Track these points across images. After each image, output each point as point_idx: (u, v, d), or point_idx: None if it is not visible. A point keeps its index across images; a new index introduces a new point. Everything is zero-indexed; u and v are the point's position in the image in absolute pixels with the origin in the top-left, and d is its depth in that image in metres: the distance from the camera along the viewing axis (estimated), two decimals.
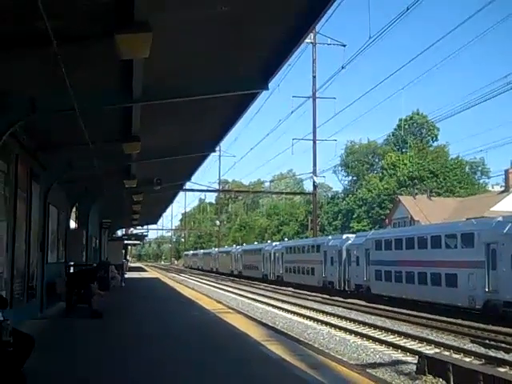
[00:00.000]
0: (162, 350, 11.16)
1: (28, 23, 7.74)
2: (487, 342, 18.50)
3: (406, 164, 77.98)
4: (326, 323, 23.70)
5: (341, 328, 22.16)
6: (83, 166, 18.47)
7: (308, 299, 36.61)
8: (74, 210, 26.65)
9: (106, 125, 14.78)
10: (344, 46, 49.44)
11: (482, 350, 17.08)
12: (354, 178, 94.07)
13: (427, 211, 51.43)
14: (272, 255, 57.53)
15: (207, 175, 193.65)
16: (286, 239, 75.70)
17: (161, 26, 7.76)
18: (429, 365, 12.94)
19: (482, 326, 21.78)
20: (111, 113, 13.30)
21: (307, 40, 44.27)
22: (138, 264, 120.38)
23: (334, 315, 26.77)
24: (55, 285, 18.72)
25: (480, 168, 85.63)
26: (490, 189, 70.41)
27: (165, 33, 8.26)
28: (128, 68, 9.48)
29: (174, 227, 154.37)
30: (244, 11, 8.78)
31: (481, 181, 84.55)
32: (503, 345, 17.76)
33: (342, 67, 40.48)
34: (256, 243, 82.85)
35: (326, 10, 8.95)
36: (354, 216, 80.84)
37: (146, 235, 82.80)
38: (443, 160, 78.55)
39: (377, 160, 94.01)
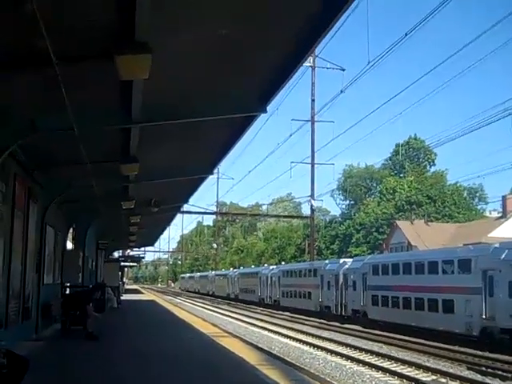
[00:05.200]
0: (158, 374, 11.07)
1: (29, 44, 7.78)
2: (484, 369, 18.38)
3: (404, 189, 78.14)
4: (323, 348, 23.54)
5: (337, 353, 22.00)
6: (81, 186, 18.47)
7: (305, 324, 36.38)
8: (70, 230, 26.59)
9: (105, 145, 14.81)
10: (343, 70, 49.90)
11: (479, 378, 16.97)
12: (352, 202, 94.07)
13: (424, 236, 51.46)
14: (269, 279, 57.27)
15: (205, 197, 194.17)
16: (283, 263, 75.45)
17: (161, 47, 7.81)
18: None
19: (479, 353, 21.63)
20: (110, 133, 13.34)
21: (306, 63, 44.64)
22: (134, 286, 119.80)
23: (330, 340, 26.59)
24: (51, 306, 18.61)
25: (478, 194, 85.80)
26: (488, 215, 70.46)
27: (165, 55, 8.31)
28: (127, 89, 9.52)
29: (171, 249, 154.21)
30: (244, 35, 8.86)
31: (479, 206, 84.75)
32: (500, 372, 17.64)
33: (341, 91, 40.80)
34: (253, 266, 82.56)
35: (325, 35, 9.04)
36: (352, 241, 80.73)
37: (143, 257, 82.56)
38: (441, 185, 78.75)
39: (374, 184, 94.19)
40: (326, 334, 29.87)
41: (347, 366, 19.10)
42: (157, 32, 7.62)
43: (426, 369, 18.37)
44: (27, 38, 7.58)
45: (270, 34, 8.91)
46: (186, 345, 16.65)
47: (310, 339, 27.09)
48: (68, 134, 11.64)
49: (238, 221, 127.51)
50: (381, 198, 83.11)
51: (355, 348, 23.65)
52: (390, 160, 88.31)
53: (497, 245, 25.45)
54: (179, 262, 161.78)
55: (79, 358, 13.01)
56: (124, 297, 44.08)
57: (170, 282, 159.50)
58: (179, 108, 11.80)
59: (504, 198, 57.35)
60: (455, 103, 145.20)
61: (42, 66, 8.23)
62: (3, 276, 12.46)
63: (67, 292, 22.36)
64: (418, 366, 18.81)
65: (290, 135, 53.08)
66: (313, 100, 52.81)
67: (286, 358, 19.60)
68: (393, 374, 17.58)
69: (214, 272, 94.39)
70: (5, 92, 9.50)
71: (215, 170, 22.20)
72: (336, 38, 33.66)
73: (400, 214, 74.50)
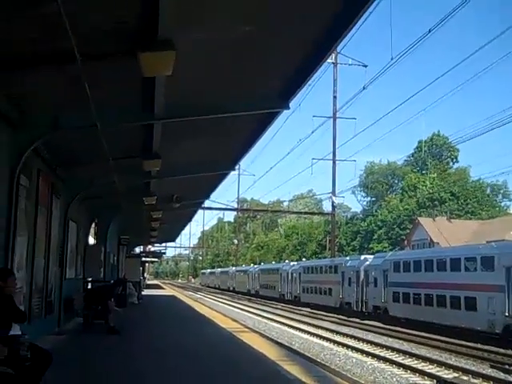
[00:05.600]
0: (178, 368, 11.13)
1: (53, 41, 7.86)
2: (507, 367, 18.22)
3: (426, 185, 77.60)
4: (343, 344, 23.50)
5: (358, 350, 21.97)
6: (103, 182, 18.59)
7: (325, 320, 36.35)
8: (93, 225, 26.80)
9: (127, 141, 14.90)
10: (365, 66, 49.76)
11: (502, 376, 16.83)
12: (373, 199, 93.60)
13: (447, 233, 51.06)
14: (289, 275, 57.27)
15: (226, 194, 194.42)
16: (303, 259, 75.37)
17: (185, 44, 7.84)
18: None
19: (501, 350, 21.46)
20: (132, 130, 13.42)
21: (329, 60, 44.40)
22: (155, 281, 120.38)
23: (351, 337, 26.54)
24: (73, 300, 18.78)
25: (502, 191, 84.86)
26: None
27: (188, 51, 8.34)
28: (150, 85, 9.58)
29: (192, 245, 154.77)
30: (269, 31, 8.86)
31: (502, 203, 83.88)
32: None
33: (364, 88, 40.61)
34: (274, 263, 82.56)
35: (346, 33, 9.04)
36: (373, 237, 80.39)
37: (164, 253, 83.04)
38: (464, 182, 78.08)
39: (396, 181, 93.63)
40: (346, 330, 29.82)
41: (368, 363, 19.06)
42: (181, 29, 7.66)
43: (448, 366, 18.27)
44: (51, 35, 7.66)
45: (294, 32, 8.91)
46: (206, 340, 16.69)
47: (330, 335, 27.07)
48: (91, 130, 11.74)
49: (258, 217, 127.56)
50: (403, 194, 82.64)
51: (376, 344, 23.58)
52: (413, 156, 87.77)
53: None
54: (200, 258, 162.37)
55: (100, 352, 13.12)
56: (145, 292, 44.32)
57: (190, 277, 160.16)
58: (201, 104, 11.82)
59: None
60: (477, 101, 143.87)
61: (65, 64, 8.29)
62: (27, 270, 12.60)
63: (89, 287, 22.54)
64: (440, 364, 18.72)
65: (312, 132, 52.81)
66: (334, 97, 52.74)
67: (306, 353, 19.61)
68: (414, 370, 17.52)
69: (234, 268, 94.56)
70: (29, 89, 9.61)
71: (237, 166, 22.21)
72: (358, 35, 33.58)
73: (422, 210, 74.00)
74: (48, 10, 6.74)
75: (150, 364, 11.52)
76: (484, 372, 17.27)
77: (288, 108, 12.57)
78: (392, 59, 32.72)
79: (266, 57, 9.89)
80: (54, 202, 15.47)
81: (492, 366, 18.48)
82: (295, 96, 12.21)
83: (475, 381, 15.60)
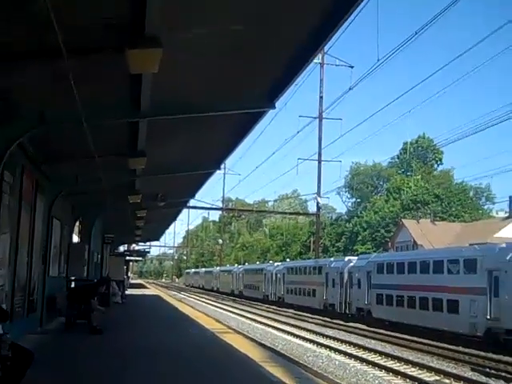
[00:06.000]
0: (161, 369, 11.08)
1: (40, 37, 7.79)
2: (488, 370, 18.33)
3: (410, 187, 77.97)
4: (326, 346, 23.53)
5: (341, 352, 22.00)
6: (88, 180, 18.49)
7: (309, 321, 36.40)
8: (77, 224, 26.64)
9: (113, 139, 14.84)
10: (352, 67, 49.77)
11: (483, 379, 16.93)
12: (358, 200, 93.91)
13: (430, 235, 51.29)
14: (273, 276, 57.29)
15: (211, 193, 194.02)
16: (288, 260, 75.46)
17: (172, 42, 7.81)
18: None
19: (482, 354, 21.57)
20: (118, 127, 13.36)
21: (315, 60, 44.44)
22: (139, 281, 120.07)
23: (334, 338, 26.58)
24: (56, 299, 18.65)
25: (485, 194, 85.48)
26: (495, 215, 70.21)
27: (175, 49, 8.30)
28: (137, 83, 9.53)
29: (176, 244, 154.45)
30: (255, 32, 8.85)
31: (485, 206, 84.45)
32: (504, 374, 17.58)
33: (350, 88, 40.77)
34: (258, 263, 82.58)
35: (335, 32, 9.04)
36: (358, 239, 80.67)
37: (148, 252, 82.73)
38: (448, 184, 78.56)
39: (381, 183, 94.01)
40: (329, 332, 29.87)
41: (351, 365, 19.09)
42: (168, 27, 7.62)
43: (430, 369, 18.35)
44: (38, 31, 7.60)
45: (281, 31, 8.90)
46: (190, 340, 16.66)
47: (313, 337, 27.11)
48: (76, 127, 11.67)
49: (243, 217, 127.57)
50: (388, 196, 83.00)
51: (359, 347, 23.64)
52: (398, 158, 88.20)
53: (503, 245, 25.38)
54: (184, 257, 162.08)
55: (83, 352, 13.04)
56: (129, 291, 44.17)
57: (174, 277, 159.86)
58: (188, 103, 11.80)
59: None
60: (463, 102, 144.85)
61: (52, 59, 8.24)
62: (9, 268, 12.50)
63: (72, 285, 22.40)
64: (422, 366, 18.79)
65: (298, 132, 52.85)
66: (321, 97, 52.79)
67: (289, 355, 19.61)
68: (396, 373, 17.57)
69: (218, 268, 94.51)
70: (15, 84, 9.52)
71: (222, 166, 22.19)
72: (345, 36, 33.68)
73: (406, 212, 74.36)
74: (35, 6, 6.67)
75: (132, 364, 11.47)
76: (465, 375, 17.36)
77: (274, 108, 12.57)
78: (378, 60, 32.85)
79: (252, 56, 9.88)
80: (38, 198, 15.37)
81: (473, 369, 18.58)
82: (281, 96, 12.21)
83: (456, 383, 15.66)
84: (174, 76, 10.00)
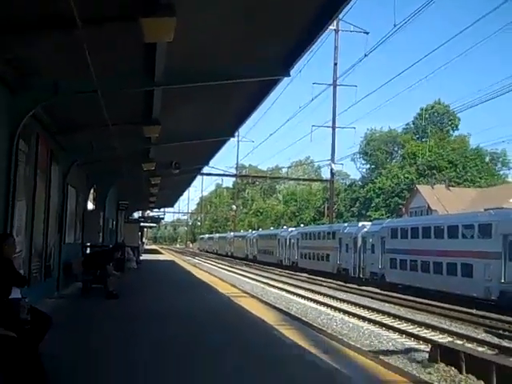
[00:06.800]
0: (175, 331, 11.25)
1: (53, 5, 7.80)
2: (501, 332, 18.49)
3: (425, 154, 77.44)
4: (340, 310, 23.78)
5: (354, 315, 22.24)
6: (103, 148, 18.56)
7: (322, 285, 36.71)
8: (92, 191, 26.84)
9: (127, 107, 14.86)
10: (367, 33, 49.32)
11: (496, 341, 17.07)
12: (373, 167, 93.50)
13: (445, 201, 51.17)
14: (287, 241, 57.59)
15: (225, 160, 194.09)
16: (302, 225, 75.65)
17: (186, 9, 7.79)
18: (441, 353, 12.95)
19: (496, 316, 21.73)
20: (132, 95, 13.38)
21: (330, 27, 43.99)
22: (153, 246, 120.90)
23: (347, 302, 26.84)
24: (72, 265, 18.91)
25: (501, 159, 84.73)
26: (510, 180, 69.77)
27: (190, 17, 8.30)
28: (151, 51, 9.54)
29: (190, 211, 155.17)
30: None
31: (501, 172, 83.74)
32: None
33: (365, 55, 40.36)
34: (272, 228, 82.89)
35: None
36: (371, 205, 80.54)
37: (163, 218, 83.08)
38: (463, 150, 77.91)
39: (396, 149, 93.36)
40: (343, 295, 30.13)
41: (364, 327, 19.31)
42: None
43: (443, 331, 18.54)
44: (52, 0, 7.60)
45: None
46: (204, 304, 16.82)
47: (327, 300, 27.37)
48: (91, 96, 11.70)
49: (257, 183, 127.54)
50: (403, 162, 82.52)
51: (372, 310, 23.87)
52: (413, 124, 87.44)
53: None
54: (198, 223, 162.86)
55: (99, 316, 13.22)
56: (143, 257, 44.55)
57: (188, 242, 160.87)
58: (202, 71, 11.78)
59: None
60: (481, 68, 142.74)
61: (66, 28, 8.23)
62: (26, 235, 12.69)
63: (88, 252, 22.66)
64: (435, 328, 18.99)
65: (312, 99, 52.55)
66: (335, 64, 52.36)
67: (303, 318, 19.85)
68: (409, 335, 17.77)
69: (232, 233, 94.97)
70: (29, 54, 9.57)
71: (236, 133, 22.17)
72: (361, 1, 33.16)
73: (421, 178, 74.00)
74: None
75: (147, 327, 11.66)
76: (478, 337, 17.52)
77: (289, 75, 12.52)
78: (395, 26, 32.37)
79: (267, 22, 9.80)
80: (53, 167, 15.50)
81: (486, 332, 18.75)
82: (296, 63, 12.15)
83: (469, 345, 15.81)
84: (189, 44, 9.97)
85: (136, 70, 11.41)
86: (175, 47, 9.10)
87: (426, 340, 16.71)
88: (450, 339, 16.96)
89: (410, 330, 18.69)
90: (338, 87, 53.40)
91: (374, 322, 20.34)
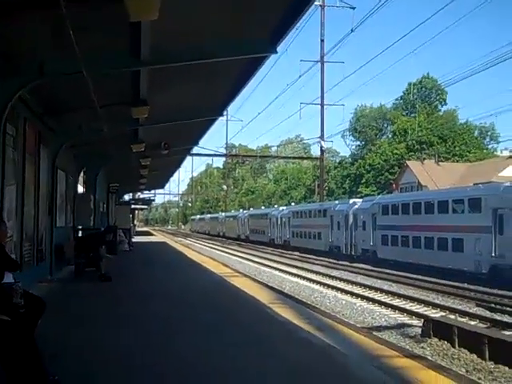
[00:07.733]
0: (169, 312, 11.26)
1: None
2: (493, 305, 18.64)
3: (414, 129, 77.41)
4: (333, 287, 23.89)
5: (347, 292, 22.35)
6: (91, 130, 18.42)
7: (315, 263, 36.84)
8: (81, 174, 26.71)
9: (115, 88, 14.72)
10: (353, 8, 48.87)
11: (488, 314, 17.22)
12: (362, 143, 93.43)
13: (435, 176, 51.20)
14: (279, 220, 57.69)
15: (214, 140, 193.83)
16: (292, 204, 75.74)
17: None
18: (434, 328, 13.03)
19: (487, 290, 21.91)
20: (119, 76, 13.25)
21: (316, 2, 43.77)
22: (145, 228, 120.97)
23: (340, 279, 26.96)
24: (64, 248, 18.86)
25: (489, 133, 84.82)
26: (499, 154, 69.85)
27: None
28: (136, 31, 9.42)
29: (181, 192, 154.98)
30: None
31: (490, 146, 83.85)
32: (508, 309, 17.88)
33: (352, 30, 40.09)
34: (263, 208, 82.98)
35: None
36: (362, 181, 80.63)
37: (153, 200, 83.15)
38: (452, 124, 77.87)
39: (386, 125, 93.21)
40: (335, 273, 30.27)
41: (357, 304, 19.43)
42: None
43: (435, 305, 18.68)
44: None
45: None
46: (198, 284, 16.85)
47: (320, 278, 27.49)
48: (77, 77, 11.56)
49: (247, 163, 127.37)
50: (393, 138, 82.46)
51: (365, 286, 23.99)
52: (402, 99, 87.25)
53: (507, 183, 25.46)
54: (189, 204, 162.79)
55: (93, 299, 13.22)
56: (135, 239, 44.52)
57: (180, 224, 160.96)
58: (188, 49, 11.66)
59: None
60: (468, 41, 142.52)
61: (50, 8, 8.11)
62: (17, 219, 12.63)
63: (79, 235, 22.60)
64: (427, 303, 19.12)
65: (300, 76, 52.71)
66: (322, 40, 52.21)
67: (296, 296, 19.94)
68: (402, 310, 17.89)
69: (223, 213, 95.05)
70: (13, 35, 9.42)
71: (224, 112, 22.08)
72: None
73: (411, 154, 74.04)
74: None
75: (141, 308, 11.67)
76: (470, 311, 17.66)
77: (276, 52, 12.42)
78: (380, 0, 32.20)
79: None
80: (41, 150, 15.39)
81: (478, 305, 18.89)
82: (283, 40, 12.06)
83: (462, 319, 15.93)
84: (174, 23, 9.86)
85: (122, 49, 11.27)
86: (160, 26, 8.99)
87: (418, 315, 16.82)
88: (442, 314, 17.09)
89: (403, 306, 18.82)
90: (325, 64, 53.26)
91: (367, 299, 20.46)
